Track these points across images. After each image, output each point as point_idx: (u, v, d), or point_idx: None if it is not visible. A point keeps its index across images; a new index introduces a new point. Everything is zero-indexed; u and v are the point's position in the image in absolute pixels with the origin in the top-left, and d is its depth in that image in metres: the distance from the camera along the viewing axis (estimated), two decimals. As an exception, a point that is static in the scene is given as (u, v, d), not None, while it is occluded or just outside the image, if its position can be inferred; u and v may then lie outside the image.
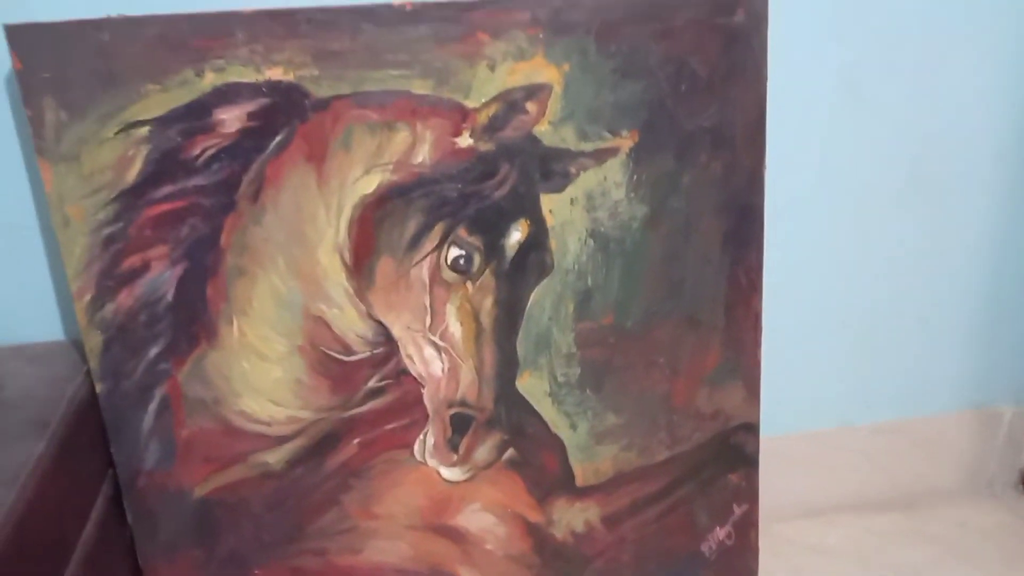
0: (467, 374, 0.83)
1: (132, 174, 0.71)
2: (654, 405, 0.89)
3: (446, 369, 0.83)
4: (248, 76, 0.71)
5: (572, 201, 0.81)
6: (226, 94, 0.71)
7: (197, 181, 0.72)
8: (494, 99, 0.76)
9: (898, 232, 0.97)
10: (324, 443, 0.82)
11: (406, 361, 0.82)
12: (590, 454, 0.89)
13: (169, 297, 0.75)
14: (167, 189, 0.72)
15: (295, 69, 0.71)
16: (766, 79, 0.82)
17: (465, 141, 0.77)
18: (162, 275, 0.74)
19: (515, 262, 0.81)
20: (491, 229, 0.80)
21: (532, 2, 0.74)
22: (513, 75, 0.76)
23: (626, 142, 0.81)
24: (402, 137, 0.75)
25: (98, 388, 0.76)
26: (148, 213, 0.72)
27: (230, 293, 0.76)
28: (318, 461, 0.83)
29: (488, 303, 0.82)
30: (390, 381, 0.82)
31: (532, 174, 0.79)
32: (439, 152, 0.76)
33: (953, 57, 0.91)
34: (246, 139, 0.72)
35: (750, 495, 0.95)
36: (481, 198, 0.79)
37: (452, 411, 0.84)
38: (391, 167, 0.76)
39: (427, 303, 0.81)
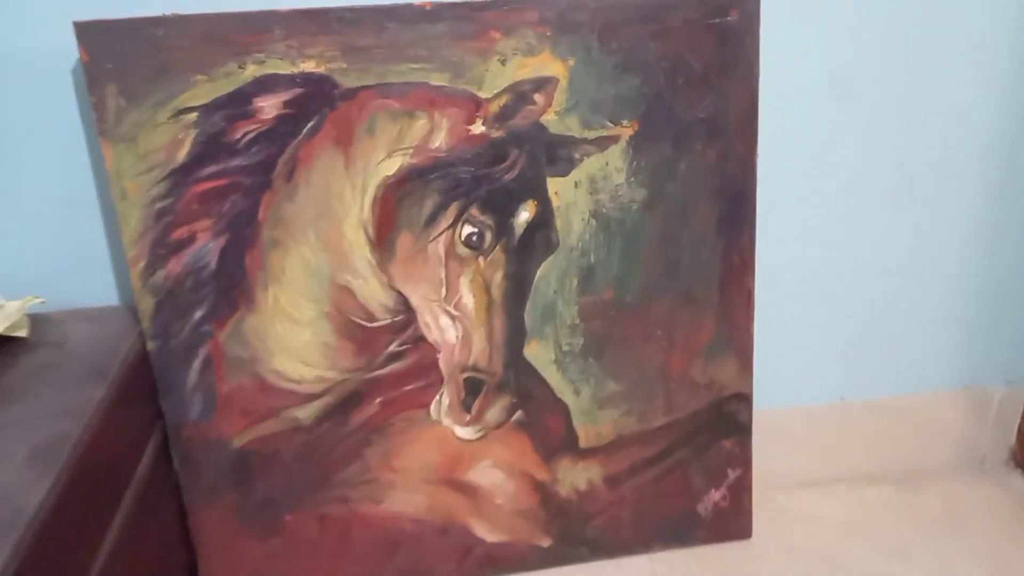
0: (479, 341, 0.91)
1: (182, 154, 0.80)
2: (652, 374, 0.96)
3: (460, 336, 0.91)
4: (284, 68, 0.79)
5: (576, 184, 0.88)
6: (265, 84, 0.79)
7: (238, 161, 0.81)
8: (505, 90, 0.84)
9: (890, 219, 1.02)
10: (349, 401, 0.91)
11: (423, 328, 0.90)
12: (592, 418, 0.96)
13: (212, 265, 0.84)
14: (212, 168, 0.81)
15: (326, 62, 0.80)
16: (758, 75, 0.88)
17: (478, 128, 0.84)
18: (206, 245, 0.83)
19: (523, 239, 0.89)
20: (501, 209, 0.87)
21: (540, 3, 0.82)
22: (522, 69, 0.83)
23: (626, 131, 0.87)
24: (421, 124, 0.83)
25: (149, 346, 0.85)
26: (195, 189, 0.81)
27: (266, 263, 0.85)
28: (343, 418, 0.91)
29: (498, 277, 0.90)
30: (409, 346, 0.90)
31: (539, 159, 0.87)
32: (454, 138, 0.84)
33: (939, 59, 0.96)
34: (282, 124, 0.81)
35: (743, 460, 1.01)
36: (492, 180, 0.86)
37: (465, 375, 0.92)
38: (411, 151, 0.84)
39: (443, 276, 0.88)
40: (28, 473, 0.63)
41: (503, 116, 0.84)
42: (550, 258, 0.90)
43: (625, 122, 0.87)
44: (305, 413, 0.90)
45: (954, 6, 0.94)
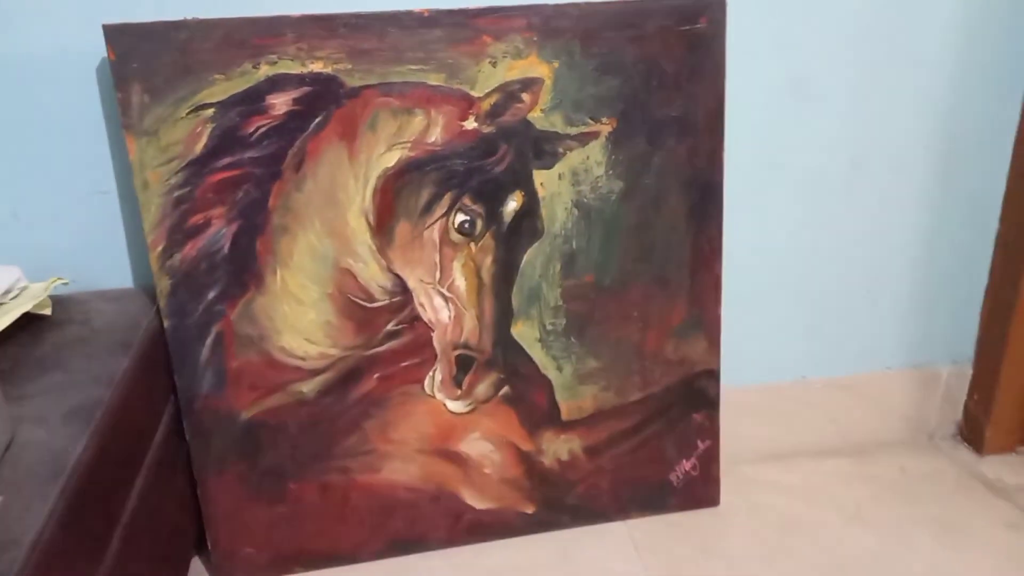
0: (470, 321, 0.99)
1: (199, 147, 0.87)
2: (628, 352, 1.04)
3: (452, 316, 0.98)
4: (295, 68, 0.86)
5: (560, 176, 0.96)
6: (277, 83, 0.86)
7: (251, 154, 0.88)
8: (495, 90, 0.92)
9: (843, 211, 1.12)
10: (349, 377, 0.98)
11: (419, 309, 0.97)
12: (574, 393, 1.04)
13: (225, 249, 0.91)
14: (226, 160, 0.88)
15: (333, 63, 0.87)
16: (725, 77, 0.97)
17: (471, 124, 0.92)
18: (220, 231, 0.90)
19: (511, 227, 0.97)
20: (492, 198, 0.95)
21: (527, 11, 0.90)
22: (511, 70, 0.91)
23: (605, 128, 0.96)
24: (419, 120, 0.91)
25: (165, 324, 0.91)
26: (211, 179, 0.88)
27: (275, 247, 0.92)
28: (344, 392, 0.98)
29: (488, 261, 0.97)
30: (405, 325, 0.98)
31: (526, 153, 0.95)
32: (449, 133, 0.92)
33: (888, 63, 1.05)
34: (291, 120, 0.88)
35: (712, 432, 1.10)
36: (483, 172, 0.94)
37: (457, 352, 1.00)
38: (409, 145, 0.91)
39: (437, 260, 0.96)
40: (65, 431, 0.70)
41: (494, 113, 0.92)
42: (536, 244, 0.98)
43: (604, 120, 0.95)
44: (309, 387, 0.97)
45: (901, 16, 1.03)
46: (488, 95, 0.92)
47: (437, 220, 0.95)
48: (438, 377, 1.00)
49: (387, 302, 0.96)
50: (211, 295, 0.92)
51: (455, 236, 0.96)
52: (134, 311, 0.91)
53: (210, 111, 0.86)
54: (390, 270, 0.95)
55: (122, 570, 0.73)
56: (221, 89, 0.85)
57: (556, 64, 0.92)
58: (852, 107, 1.06)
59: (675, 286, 1.03)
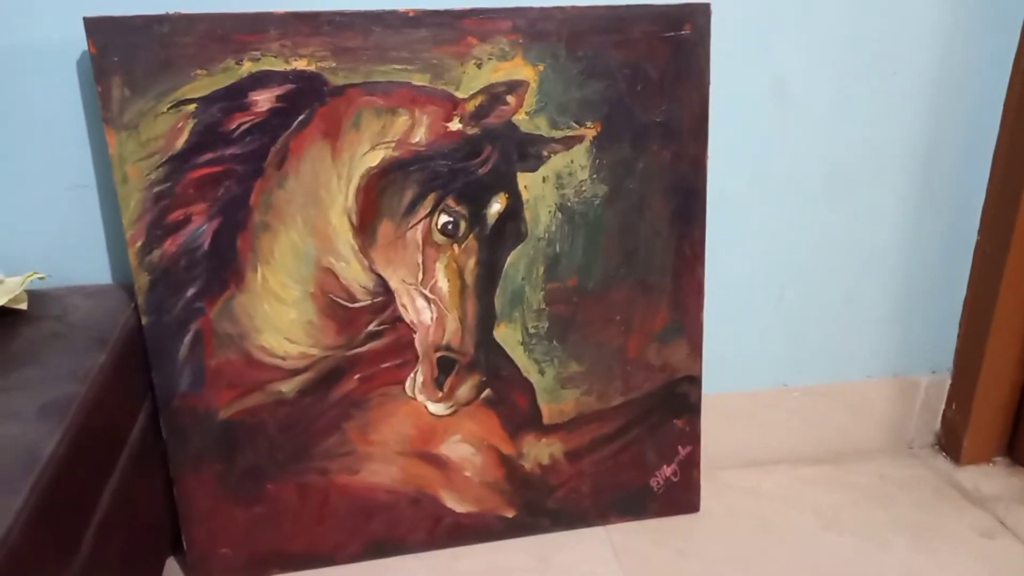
0: (452, 323, 0.98)
1: (180, 142, 0.86)
2: (611, 356, 1.04)
3: (434, 318, 0.98)
4: (278, 65, 0.86)
5: (544, 179, 0.96)
6: (260, 79, 0.86)
7: (233, 150, 0.88)
8: (480, 91, 0.92)
9: (824, 219, 1.12)
10: (330, 377, 0.97)
11: (401, 310, 0.97)
12: (556, 396, 1.04)
13: (206, 246, 0.90)
14: (208, 156, 0.87)
15: (317, 61, 0.87)
16: (709, 83, 0.97)
17: (455, 125, 0.92)
18: (201, 227, 0.89)
19: (495, 229, 0.97)
20: (475, 200, 0.95)
21: (513, 13, 0.90)
22: (496, 72, 0.91)
23: (590, 131, 0.96)
24: (403, 120, 0.91)
25: (143, 321, 0.91)
26: (191, 175, 0.88)
27: (256, 245, 0.91)
28: (324, 392, 0.98)
29: (471, 263, 0.97)
30: (387, 326, 0.97)
31: (511, 155, 0.95)
32: (433, 134, 0.92)
33: (868, 72, 1.06)
34: (274, 117, 0.88)
35: (693, 438, 1.10)
36: (467, 174, 0.94)
37: (439, 354, 0.99)
38: (393, 145, 0.91)
39: (420, 261, 0.96)
40: (39, 426, 0.69)
41: (478, 115, 0.92)
42: (519, 247, 0.98)
43: (589, 123, 0.95)
44: (289, 387, 0.97)
45: (883, 26, 1.04)
46: (473, 96, 0.92)
47: (420, 221, 0.94)
48: (419, 379, 1.00)
49: (369, 302, 0.96)
50: (190, 292, 0.91)
51: (438, 237, 0.95)
52: (112, 307, 0.90)
53: (192, 106, 0.85)
54: (372, 270, 0.95)
55: (94, 569, 0.72)
56: (203, 84, 0.85)
57: (541, 67, 0.92)
58: (834, 115, 1.07)
59: (658, 291, 1.03)
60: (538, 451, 1.06)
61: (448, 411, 1.02)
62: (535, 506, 1.08)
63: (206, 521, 0.98)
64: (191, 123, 0.86)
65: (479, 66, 0.91)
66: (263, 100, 0.87)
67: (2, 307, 0.84)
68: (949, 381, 1.26)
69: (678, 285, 1.04)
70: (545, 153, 0.96)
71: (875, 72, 1.06)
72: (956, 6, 1.05)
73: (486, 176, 0.94)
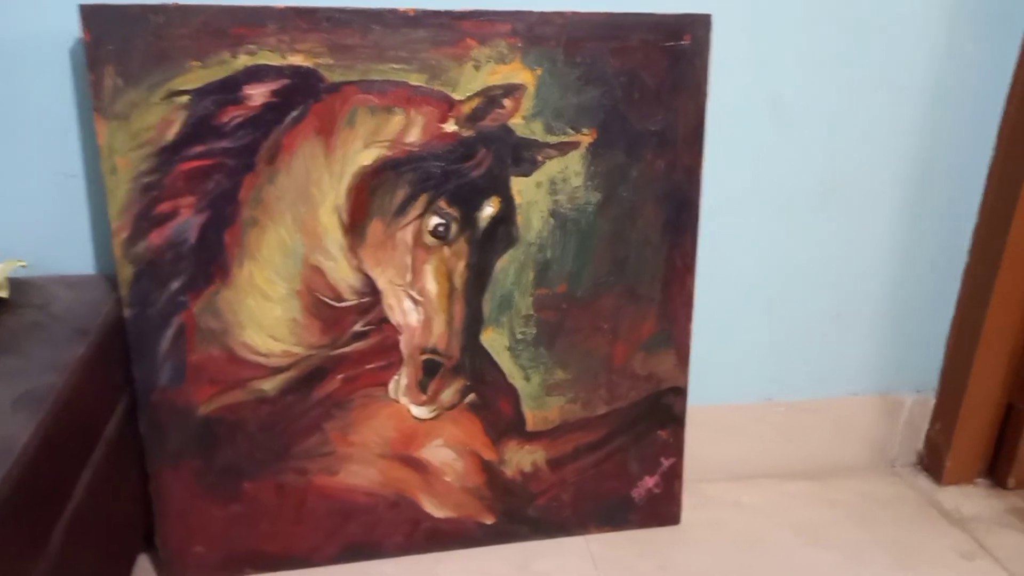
0: (439, 326, 0.98)
1: (171, 134, 0.85)
2: (597, 365, 1.04)
3: (421, 320, 0.97)
4: (274, 60, 0.85)
5: (538, 184, 0.96)
6: (255, 73, 0.85)
7: (224, 144, 0.87)
8: (477, 94, 0.91)
9: (815, 235, 1.13)
10: (313, 376, 0.96)
11: (387, 310, 0.96)
12: (540, 403, 1.04)
13: (192, 240, 0.89)
14: (199, 149, 0.86)
15: (313, 57, 0.86)
16: (706, 94, 0.97)
17: (450, 127, 0.92)
18: (188, 221, 0.88)
19: (486, 233, 0.96)
20: (467, 203, 0.94)
21: (513, 16, 0.89)
22: (494, 75, 0.91)
23: (585, 138, 0.96)
24: (398, 120, 0.90)
25: (126, 313, 0.89)
26: (181, 168, 0.86)
27: (244, 240, 0.90)
28: (306, 391, 0.97)
29: (461, 266, 0.97)
30: (372, 327, 0.96)
31: (505, 159, 0.94)
32: (428, 135, 0.91)
33: (862, 87, 1.06)
34: (268, 112, 0.87)
35: (677, 450, 1.10)
36: (460, 176, 0.93)
37: (424, 357, 0.98)
38: (387, 144, 0.90)
39: (409, 262, 0.95)
40: (13, 417, 0.67)
41: (474, 117, 0.92)
42: (510, 251, 0.97)
43: (585, 130, 0.95)
44: (270, 385, 0.95)
45: (881, 44, 1.05)
46: (469, 99, 0.91)
47: (411, 222, 0.94)
48: (403, 381, 0.99)
49: (355, 302, 0.95)
50: (175, 286, 0.90)
51: (429, 239, 0.95)
52: (94, 298, 0.88)
53: (184, 98, 0.84)
54: (360, 270, 0.94)
55: (64, 563, 0.71)
56: (197, 76, 0.84)
57: (539, 71, 0.92)
58: (829, 131, 1.07)
59: (647, 300, 1.03)
60: (520, 458, 1.05)
61: (431, 415, 1.01)
62: (515, 513, 1.07)
63: (181, 518, 0.97)
64: (183, 115, 0.85)
65: (477, 68, 0.90)
66: (257, 94, 0.86)
67: (-18, 294, 0.82)
68: (934, 401, 1.26)
69: (667, 295, 1.03)
70: (540, 158, 0.95)
71: (873, 90, 1.07)
72: (953, 28, 1.05)
73: (479, 179, 0.94)
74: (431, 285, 0.96)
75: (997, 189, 1.13)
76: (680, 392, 1.08)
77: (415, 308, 0.97)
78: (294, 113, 0.87)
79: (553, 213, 0.97)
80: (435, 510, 1.05)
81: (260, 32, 0.84)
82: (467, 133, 0.92)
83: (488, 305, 0.98)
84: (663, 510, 1.12)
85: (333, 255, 0.93)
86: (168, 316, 0.90)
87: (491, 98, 0.92)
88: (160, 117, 0.84)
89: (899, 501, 1.22)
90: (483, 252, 0.97)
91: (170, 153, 0.85)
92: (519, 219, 0.96)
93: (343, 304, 0.95)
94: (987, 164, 1.14)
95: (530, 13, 0.89)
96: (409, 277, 0.95)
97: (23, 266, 0.89)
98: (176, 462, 0.95)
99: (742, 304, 1.16)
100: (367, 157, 0.90)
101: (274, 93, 0.86)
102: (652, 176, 0.98)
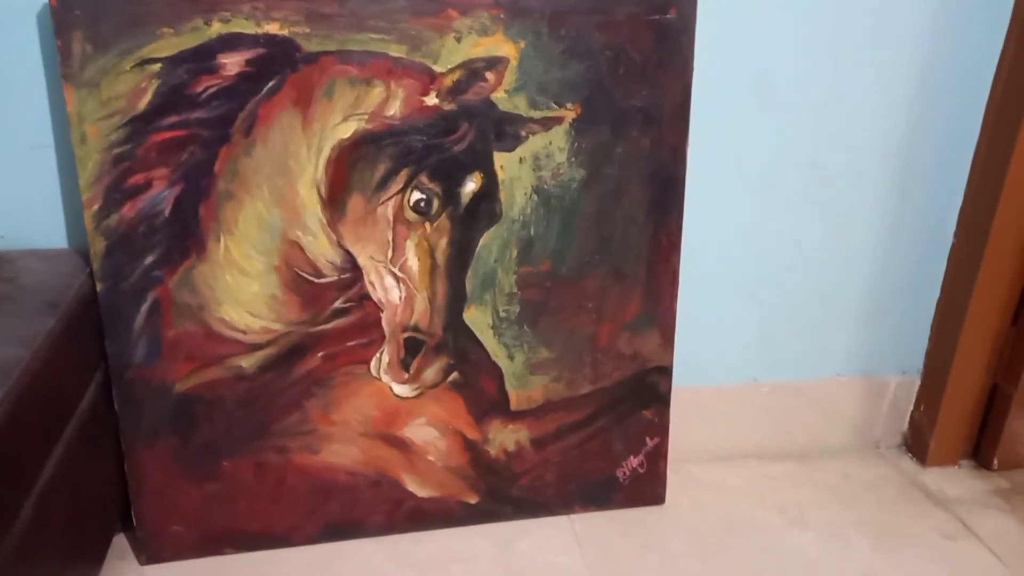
0: (421, 303, 0.96)
1: (143, 103, 0.83)
2: (581, 344, 1.03)
3: (403, 297, 0.96)
4: (249, 28, 0.83)
5: (521, 160, 0.94)
6: (229, 42, 0.83)
7: (198, 114, 0.84)
8: (459, 66, 0.89)
9: (801, 215, 1.11)
10: (292, 353, 0.95)
11: (368, 287, 0.94)
12: (524, 382, 1.02)
13: (166, 213, 0.87)
14: (172, 119, 0.84)
15: (290, 26, 0.84)
16: (692, 71, 0.95)
17: (432, 100, 0.90)
18: (162, 193, 0.86)
19: (469, 209, 0.94)
20: (449, 178, 0.93)
21: (495, -14, 0.87)
22: (476, 47, 0.89)
23: (569, 113, 0.94)
24: (377, 92, 0.88)
25: (98, 287, 0.87)
26: (154, 138, 0.84)
27: (219, 214, 0.88)
28: (286, 369, 0.95)
29: (443, 243, 0.95)
30: (353, 304, 0.95)
31: (488, 133, 0.92)
32: (408, 108, 0.89)
33: (850, 69, 1.05)
34: (243, 82, 0.85)
35: (661, 430, 1.09)
36: (442, 150, 0.91)
37: (406, 335, 0.97)
38: (366, 117, 0.89)
39: (390, 238, 0.93)
40: (-21, 392, 0.65)
41: (456, 90, 0.90)
42: (493, 228, 0.96)
43: (569, 105, 0.93)
44: (249, 362, 0.94)
45: (869, 26, 1.03)
46: (451, 71, 0.89)
47: (392, 197, 0.92)
48: (385, 359, 0.97)
49: (335, 278, 0.93)
50: (149, 260, 0.88)
51: (410, 215, 0.93)
52: (65, 272, 0.86)
53: (156, 66, 0.82)
54: (340, 245, 0.92)
55: (32, 542, 0.69)
56: (169, 44, 0.81)
57: (523, 44, 0.90)
58: (815, 112, 1.06)
59: (631, 279, 1.02)
60: (504, 437, 1.04)
61: (413, 393, 1.00)
62: (498, 493, 1.06)
63: (158, 497, 0.96)
64: (155, 83, 0.83)
65: (459, 40, 0.88)
66: (232, 63, 0.84)
67: (-51, 267, 0.80)
68: (918, 382, 1.25)
69: (652, 274, 1.02)
70: (523, 133, 0.93)
71: (860, 72, 1.05)
72: (941, 9, 1.04)
73: (461, 154, 0.92)
74: (413, 262, 0.95)
75: (983, 171, 1.12)
76: (665, 372, 1.07)
77: (397, 285, 0.95)
78: (270, 83, 0.85)
79: (537, 190, 0.96)
80: (418, 489, 1.04)
81: (235, -1, 0.81)
82: (449, 107, 0.90)
83: (471, 283, 0.97)
84: (647, 490, 1.12)
85: (312, 230, 0.91)
86: (143, 291, 0.88)
87: (473, 71, 0.90)
88: (131, 85, 0.82)
89: (883, 482, 1.22)
90: (466, 229, 0.95)
91: (142, 123, 0.83)
92: (502, 195, 0.95)
93: (323, 280, 0.93)
94: (973, 145, 1.13)
95: (514, -17, 0.88)
96: (390, 253, 0.94)
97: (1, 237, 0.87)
98: (152, 440, 0.94)
99: (727, 285, 1.15)
100: (346, 130, 0.88)
101: (249, 62, 0.84)
102: (637, 154, 0.97)
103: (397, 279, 0.95)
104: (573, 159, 0.95)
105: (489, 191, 0.94)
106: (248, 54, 0.84)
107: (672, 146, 0.98)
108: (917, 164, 1.12)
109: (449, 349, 0.99)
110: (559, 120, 0.94)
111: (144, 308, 0.89)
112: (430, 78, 0.89)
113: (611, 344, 1.04)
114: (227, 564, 0.99)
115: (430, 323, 0.97)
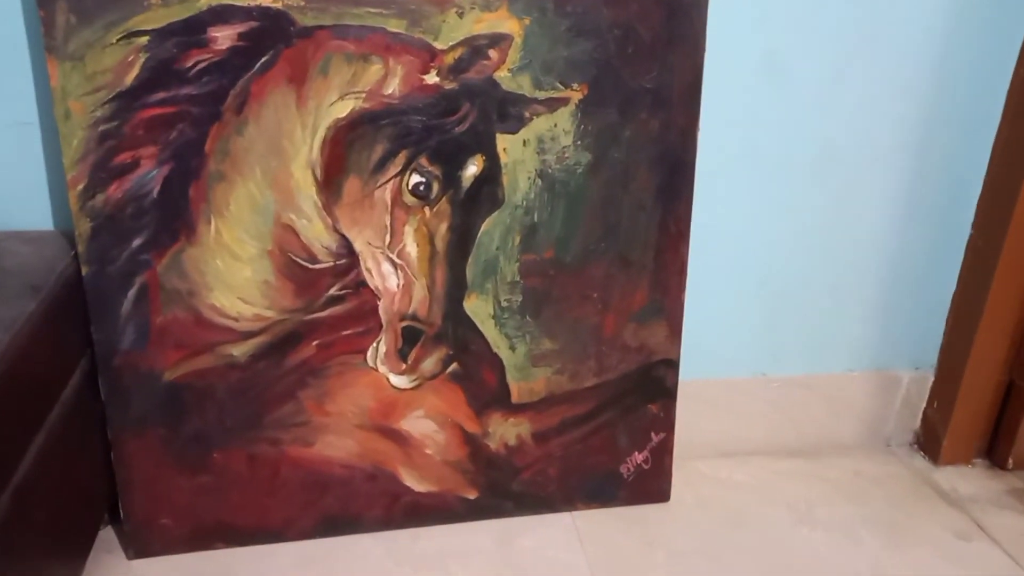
0: (419, 291, 0.93)
1: (130, 78, 0.79)
2: (586, 335, 0.99)
3: (401, 285, 0.92)
4: (241, 0, 0.79)
5: (524, 143, 0.90)
6: (221, 14, 0.79)
7: (188, 90, 0.81)
8: (461, 43, 0.85)
9: (812, 203, 1.07)
10: (286, 342, 0.91)
11: (365, 274, 0.91)
12: (526, 374, 0.99)
13: (155, 194, 0.83)
14: (160, 95, 0.81)
15: (284, -2, 0.80)
16: (704, 50, 0.92)
17: (432, 78, 0.86)
18: (150, 173, 0.82)
19: (470, 193, 0.91)
20: (450, 161, 0.89)
21: (500, -42, 0.84)
22: (479, 23, 0.85)
23: (576, 94, 0.90)
24: (375, 69, 0.84)
25: (84, 271, 0.84)
26: (142, 115, 0.81)
27: (210, 195, 0.85)
28: (279, 358, 0.92)
29: (443, 228, 0.91)
30: (349, 291, 0.91)
31: (490, 114, 0.89)
32: (408, 86, 0.85)
33: (865, 46, 1.01)
34: (235, 57, 0.81)
35: (667, 425, 1.06)
36: (443, 131, 0.88)
37: (404, 324, 0.94)
38: (363, 95, 0.85)
39: (387, 223, 0.90)
40: (-46, 378, 0.62)
41: (457, 68, 0.86)
42: (495, 214, 0.92)
43: (575, 85, 0.90)
44: (240, 350, 0.91)
45: (881, 5, 0.99)
46: (452, 48, 0.85)
47: (390, 180, 0.88)
48: (382, 349, 0.94)
49: (331, 264, 0.90)
50: (136, 243, 0.84)
51: (409, 198, 0.89)
52: (49, 254, 0.83)
53: (144, 39, 0.78)
54: (336, 230, 0.89)
55: (12, 536, 0.66)
56: (158, 16, 0.78)
57: (527, 20, 0.86)
58: (828, 95, 1.02)
59: (638, 268, 0.98)
60: (504, 431, 1.01)
61: (411, 384, 0.96)
62: (499, 488, 1.03)
63: (146, 489, 0.92)
64: (143, 57, 0.79)
65: (460, 15, 0.84)
66: (223, 37, 0.80)
67: (-74, 247, 0.77)
68: (932, 379, 1.22)
69: (660, 263, 0.99)
70: (527, 114, 0.90)
71: (876, 52, 1.01)
72: (964, -13, 1.00)
73: (463, 135, 0.88)
74: (411, 248, 0.91)
75: (1003, 158, 1.08)
76: (672, 365, 1.03)
77: (395, 272, 0.92)
78: (263, 59, 0.81)
79: (541, 174, 0.92)
80: (415, 484, 1.00)
81: (226, -32, 0.78)
82: (450, 86, 0.86)
83: (471, 270, 0.93)
84: (652, 486, 1.08)
85: (307, 213, 0.88)
86: (130, 275, 0.85)
87: (475, 48, 0.86)
88: (118, 59, 0.78)
89: (894, 480, 1.19)
90: (466, 214, 0.91)
91: (129, 99, 0.80)
92: (505, 179, 0.91)
93: (317, 266, 0.90)
94: (993, 131, 1.08)
95: (519, -44, 0.84)
96: (388, 239, 0.90)
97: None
98: (140, 430, 0.90)
99: (736, 275, 1.11)
100: (342, 109, 0.85)
101: (241, 36, 0.80)
102: (646, 137, 0.93)
103: (395, 266, 0.91)
104: (579, 142, 0.92)
105: (491, 175, 0.91)
106: (240, 27, 0.80)
107: (682, 128, 0.94)
108: (934, 148, 1.08)
109: (448, 339, 0.95)
110: (565, 101, 0.90)
111: (131, 293, 0.86)
112: (430, 55, 0.85)
113: (616, 335, 1.00)
114: (218, 559, 0.96)
115: (429, 312, 0.94)
